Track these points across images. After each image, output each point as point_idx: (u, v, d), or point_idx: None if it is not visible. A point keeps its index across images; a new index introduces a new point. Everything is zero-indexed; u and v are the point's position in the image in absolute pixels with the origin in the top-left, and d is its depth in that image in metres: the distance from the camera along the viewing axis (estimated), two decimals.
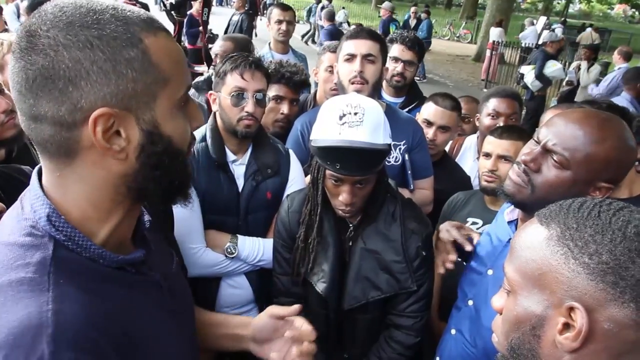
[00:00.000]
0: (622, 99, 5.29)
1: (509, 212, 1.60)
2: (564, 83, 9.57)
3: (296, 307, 1.29)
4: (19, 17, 5.98)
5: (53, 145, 0.78)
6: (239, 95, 1.98)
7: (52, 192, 0.84)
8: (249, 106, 1.99)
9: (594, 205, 0.87)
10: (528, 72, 9.12)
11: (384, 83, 3.22)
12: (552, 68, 8.98)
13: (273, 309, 1.28)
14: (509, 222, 1.58)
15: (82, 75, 0.74)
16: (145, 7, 8.38)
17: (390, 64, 3.12)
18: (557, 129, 1.33)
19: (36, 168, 0.89)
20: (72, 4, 0.77)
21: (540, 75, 8.85)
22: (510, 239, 1.54)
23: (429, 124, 2.74)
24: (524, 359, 0.90)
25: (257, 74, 2.01)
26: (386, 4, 14.12)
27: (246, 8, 9.93)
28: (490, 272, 1.58)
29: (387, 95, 3.24)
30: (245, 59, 2.02)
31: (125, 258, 0.87)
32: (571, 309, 0.82)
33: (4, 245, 0.80)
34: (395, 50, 3.14)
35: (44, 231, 0.80)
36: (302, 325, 1.26)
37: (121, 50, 0.76)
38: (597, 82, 8.24)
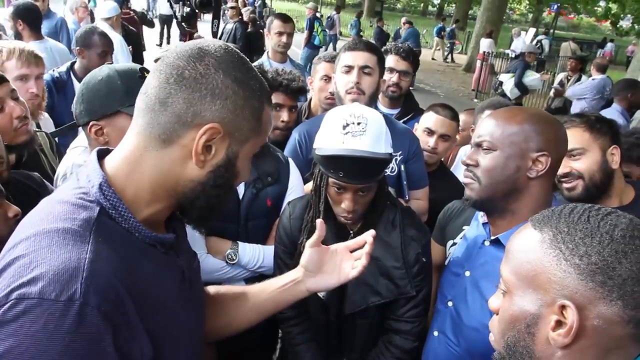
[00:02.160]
0: (613, 110, 5.35)
1: (482, 214, 1.69)
2: (551, 93, 9.69)
3: (319, 222, 1.34)
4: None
5: (161, 129, 0.94)
6: None
7: (118, 168, 0.98)
8: None
9: (584, 210, 0.93)
10: (507, 80, 9.28)
11: (380, 94, 3.26)
12: (531, 77, 9.16)
13: (310, 241, 1.35)
14: (484, 224, 1.67)
15: (221, 97, 0.94)
16: (142, 16, 8.41)
17: (385, 75, 3.13)
18: (480, 127, 1.55)
19: (95, 150, 1.03)
20: (235, 51, 1.01)
21: (519, 84, 9.00)
22: (484, 240, 1.63)
23: (430, 132, 2.78)
24: (519, 356, 0.95)
25: None
26: (310, 4, 14.88)
27: (240, 17, 9.99)
28: (467, 273, 1.65)
29: (382, 107, 3.27)
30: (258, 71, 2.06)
31: (158, 236, 0.99)
32: (563, 307, 0.88)
33: (57, 202, 0.93)
34: (390, 60, 3.16)
35: (94, 197, 0.93)
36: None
37: (251, 98, 0.99)
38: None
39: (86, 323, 0.79)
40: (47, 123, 2.68)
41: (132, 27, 6.53)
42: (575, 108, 7.55)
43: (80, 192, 0.94)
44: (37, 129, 2.33)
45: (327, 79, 2.95)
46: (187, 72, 0.93)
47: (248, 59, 1.04)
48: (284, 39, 4.21)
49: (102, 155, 1.02)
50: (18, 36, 4.21)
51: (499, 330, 1.01)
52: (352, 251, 1.37)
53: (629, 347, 0.87)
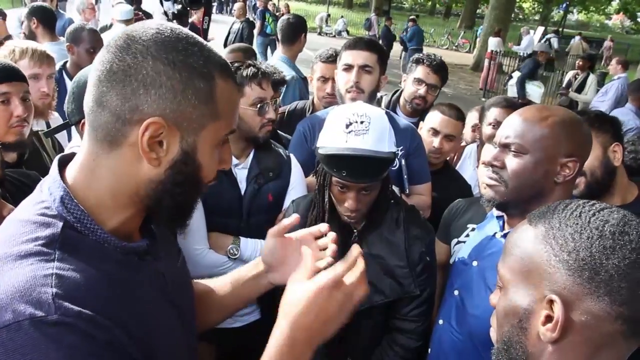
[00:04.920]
0: (627, 110, 5.33)
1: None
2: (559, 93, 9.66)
3: (294, 217, 1.24)
4: (22, 24, 5.97)
5: (103, 131, 0.87)
6: (263, 106, 2.05)
7: (76, 177, 0.92)
8: (271, 113, 2.07)
9: (577, 206, 0.93)
10: (515, 77, 9.30)
11: (402, 101, 3.20)
12: (534, 87, 9.12)
13: (272, 229, 1.26)
14: (498, 217, 1.66)
15: (156, 85, 0.85)
16: (149, 16, 8.43)
17: (413, 86, 3.07)
18: (506, 126, 1.49)
19: (57, 158, 0.97)
20: (171, 29, 0.90)
21: (522, 83, 8.96)
22: (495, 233, 1.63)
23: (435, 132, 2.72)
24: (514, 351, 0.96)
25: (269, 82, 2.10)
26: None
27: (246, 17, 10.04)
28: (475, 263, 1.66)
29: (401, 113, 3.19)
30: (258, 68, 2.08)
31: (129, 245, 0.94)
32: (552, 301, 0.88)
33: (18, 222, 0.88)
34: (420, 72, 3.05)
35: (57, 211, 0.88)
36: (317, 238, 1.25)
37: (194, 79, 0.87)
38: (596, 92, 8.27)
39: (69, 336, 0.75)
40: (57, 122, 2.70)
41: None
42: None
43: (42, 207, 0.89)
44: (39, 129, 2.35)
45: (324, 79, 2.94)
46: (115, 66, 0.85)
47: (194, 34, 0.93)
48: None
49: (65, 162, 0.96)
50: (31, 35, 4.23)
51: (497, 325, 1.02)
52: (317, 238, 1.27)
53: (619, 344, 0.87)
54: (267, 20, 12.91)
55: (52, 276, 0.79)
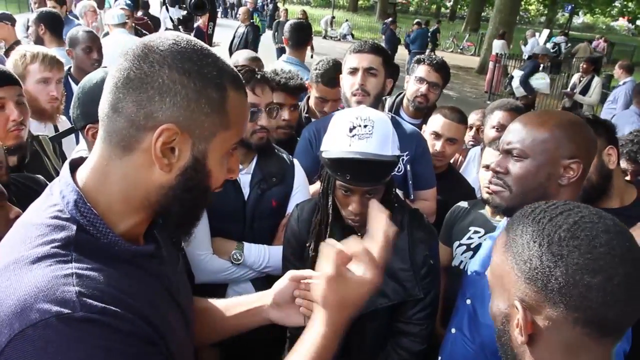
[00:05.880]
0: (632, 112, 5.31)
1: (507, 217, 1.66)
2: (564, 97, 9.61)
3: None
4: (27, 29, 6.02)
5: (118, 136, 0.89)
6: (254, 112, 2.03)
7: (87, 180, 0.93)
8: (263, 120, 2.05)
9: (541, 211, 0.95)
10: (517, 77, 9.27)
11: (405, 102, 3.23)
12: (539, 80, 9.08)
13: (293, 272, 1.29)
14: None
15: (171, 93, 0.87)
16: (156, 21, 8.46)
17: (414, 84, 3.13)
18: (508, 132, 1.51)
19: (68, 161, 0.99)
20: (187, 40, 0.92)
21: (525, 82, 8.93)
22: None
23: (437, 136, 2.73)
24: (504, 351, 1.02)
25: (266, 87, 2.08)
26: None
27: (251, 21, 10.06)
28: (487, 272, 1.63)
29: (405, 115, 3.21)
30: (254, 73, 2.06)
31: (138, 248, 0.96)
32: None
33: (31, 225, 0.90)
34: (421, 70, 3.12)
35: (70, 215, 0.89)
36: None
37: (208, 88, 0.90)
38: (603, 95, 8.20)
39: (96, 331, 0.78)
40: (64, 126, 2.73)
41: (147, 32, 6.60)
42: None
43: (54, 210, 0.90)
44: (40, 133, 2.36)
45: (322, 100, 2.96)
46: (132, 74, 0.87)
47: (208, 47, 0.95)
48: None
49: (75, 165, 0.98)
50: (39, 41, 4.28)
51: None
52: None
53: (592, 346, 0.88)
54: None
55: (73, 276, 0.81)
